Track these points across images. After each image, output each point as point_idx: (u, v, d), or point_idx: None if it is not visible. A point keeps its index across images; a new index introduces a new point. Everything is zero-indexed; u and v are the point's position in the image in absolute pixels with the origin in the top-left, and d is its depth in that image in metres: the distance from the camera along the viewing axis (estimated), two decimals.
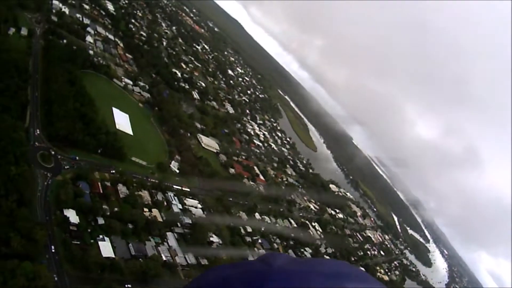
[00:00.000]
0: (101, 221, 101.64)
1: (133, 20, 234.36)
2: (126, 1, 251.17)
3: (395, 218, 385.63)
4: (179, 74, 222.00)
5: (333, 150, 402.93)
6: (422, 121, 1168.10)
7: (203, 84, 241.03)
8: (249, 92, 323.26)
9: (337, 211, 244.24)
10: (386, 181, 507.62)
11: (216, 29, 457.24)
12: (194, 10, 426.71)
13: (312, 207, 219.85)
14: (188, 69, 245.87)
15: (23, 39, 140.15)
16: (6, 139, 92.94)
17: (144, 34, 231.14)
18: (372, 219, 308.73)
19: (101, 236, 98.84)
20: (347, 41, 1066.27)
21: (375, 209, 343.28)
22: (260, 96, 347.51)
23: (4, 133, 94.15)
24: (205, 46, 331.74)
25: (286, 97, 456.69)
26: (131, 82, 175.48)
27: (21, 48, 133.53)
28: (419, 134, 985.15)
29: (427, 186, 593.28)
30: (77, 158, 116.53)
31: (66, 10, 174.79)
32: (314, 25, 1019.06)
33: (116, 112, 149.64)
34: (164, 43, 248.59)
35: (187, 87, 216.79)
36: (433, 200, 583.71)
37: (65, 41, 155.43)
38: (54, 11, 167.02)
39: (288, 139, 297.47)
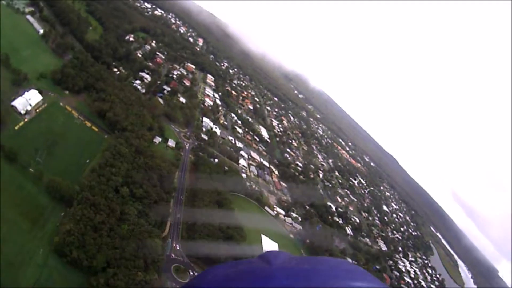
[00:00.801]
0: None
1: (288, 149, 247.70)
2: (281, 130, 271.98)
3: None
4: (333, 208, 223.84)
5: (479, 285, 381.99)
6: None
7: (357, 220, 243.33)
8: (402, 229, 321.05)
9: None
10: None
11: (372, 163, 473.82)
12: (349, 144, 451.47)
13: None
14: (343, 203, 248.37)
15: (170, 150, 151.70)
16: (139, 243, 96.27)
17: (300, 164, 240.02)
18: None
19: None
20: None
21: None
22: (413, 233, 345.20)
23: (138, 236, 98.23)
24: (361, 180, 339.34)
25: (438, 234, 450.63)
26: (283, 212, 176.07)
27: (167, 158, 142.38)
28: None
29: None
30: None
31: (217, 130, 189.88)
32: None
33: (265, 240, 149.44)
34: (321, 175, 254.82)
35: (340, 221, 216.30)
36: None
37: (216, 160, 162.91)
38: (204, 129, 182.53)
39: (438, 275, 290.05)
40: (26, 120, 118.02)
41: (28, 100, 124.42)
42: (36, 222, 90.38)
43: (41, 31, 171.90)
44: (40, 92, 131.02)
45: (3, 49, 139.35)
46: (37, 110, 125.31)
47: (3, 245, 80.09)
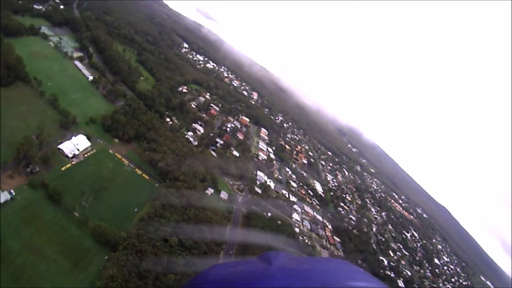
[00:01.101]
0: None
1: (342, 204, 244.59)
2: (336, 185, 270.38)
3: None
4: (385, 262, 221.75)
5: None
6: None
7: (409, 273, 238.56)
8: (453, 280, 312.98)
9: None
10: None
11: (424, 215, 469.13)
12: (402, 197, 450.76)
13: None
14: (395, 257, 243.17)
15: (222, 203, 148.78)
16: None
17: (354, 218, 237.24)
18: None
19: None
20: None
21: None
22: (464, 283, 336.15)
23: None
24: (414, 233, 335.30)
25: (488, 282, 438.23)
26: None
27: (218, 211, 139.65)
28: None
29: None
30: None
31: (271, 184, 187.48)
32: None
33: None
34: (374, 229, 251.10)
35: (392, 275, 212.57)
36: None
37: (269, 214, 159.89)
38: (258, 182, 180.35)
39: None
40: (73, 163, 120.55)
41: (76, 144, 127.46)
42: (77, 264, 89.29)
43: (91, 77, 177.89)
44: (89, 139, 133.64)
45: (51, 90, 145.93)
46: (85, 155, 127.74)
47: (41, 282, 79.78)
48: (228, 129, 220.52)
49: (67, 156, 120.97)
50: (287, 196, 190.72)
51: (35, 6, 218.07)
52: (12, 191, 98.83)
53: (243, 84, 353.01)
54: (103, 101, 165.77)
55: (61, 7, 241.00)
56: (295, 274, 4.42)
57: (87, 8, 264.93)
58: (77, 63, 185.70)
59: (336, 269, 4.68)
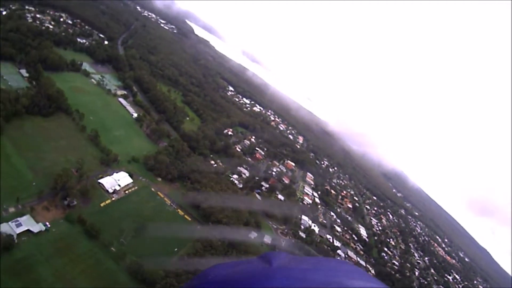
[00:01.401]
0: None
1: (385, 248, 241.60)
2: (380, 229, 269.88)
3: None
4: None
5: None
6: None
7: None
8: None
9: None
10: None
11: (466, 259, 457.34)
12: (445, 240, 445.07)
13: None
14: None
15: (265, 246, 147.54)
16: None
17: (397, 263, 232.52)
18: None
19: None
20: None
21: None
22: None
23: None
24: (456, 276, 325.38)
25: None
26: None
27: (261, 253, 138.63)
28: None
29: None
30: None
31: (316, 229, 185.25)
32: None
33: None
34: (416, 273, 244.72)
35: None
36: None
37: None
38: (302, 227, 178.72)
39: None
40: (113, 199, 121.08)
41: (117, 180, 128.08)
42: None
43: (135, 114, 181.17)
44: (131, 176, 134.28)
45: (93, 124, 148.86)
46: (127, 191, 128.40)
47: None
48: (273, 173, 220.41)
49: (107, 191, 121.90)
50: (331, 240, 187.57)
51: (79, 40, 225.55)
52: (47, 223, 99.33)
53: (289, 127, 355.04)
54: (146, 141, 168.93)
55: (106, 42, 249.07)
56: (295, 274, 4.46)
57: (132, 45, 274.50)
58: (121, 100, 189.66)
59: (336, 269, 4.76)
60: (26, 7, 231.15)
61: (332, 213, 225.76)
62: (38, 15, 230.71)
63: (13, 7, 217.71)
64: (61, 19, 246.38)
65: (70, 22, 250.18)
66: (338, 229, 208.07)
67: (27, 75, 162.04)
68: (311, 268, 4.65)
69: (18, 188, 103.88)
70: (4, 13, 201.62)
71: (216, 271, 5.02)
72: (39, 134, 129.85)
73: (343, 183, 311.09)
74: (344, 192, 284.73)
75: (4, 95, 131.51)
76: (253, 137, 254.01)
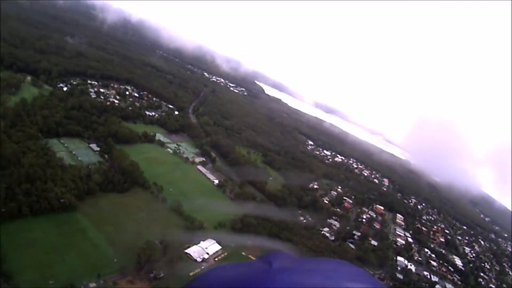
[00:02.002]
0: None
1: (481, 273, 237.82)
2: (473, 256, 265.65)
3: None
4: None
5: None
6: None
7: None
8: None
9: None
10: None
11: None
12: None
13: None
14: None
15: None
16: None
17: (493, 286, 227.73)
18: None
19: None
20: None
21: None
22: None
23: None
24: None
25: None
26: None
27: None
28: None
29: None
30: None
31: (412, 268, 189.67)
32: None
33: None
34: None
35: None
36: None
37: None
38: (399, 268, 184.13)
39: None
40: (203, 267, 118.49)
41: (205, 248, 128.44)
42: None
43: (216, 181, 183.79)
44: (219, 242, 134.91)
45: (174, 195, 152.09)
46: (216, 259, 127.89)
47: None
48: (364, 220, 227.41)
49: (195, 260, 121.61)
50: (428, 277, 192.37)
51: (147, 113, 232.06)
52: None
53: (373, 172, 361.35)
54: (231, 205, 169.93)
55: (176, 113, 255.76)
56: (295, 275, 4.55)
57: (204, 112, 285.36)
58: (200, 167, 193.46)
59: (336, 270, 4.88)
60: (89, 81, 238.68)
61: (426, 250, 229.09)
62: (101, 90, 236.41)
63: (74, 82, 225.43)
64: (127, 92, 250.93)
65: (136, 95, 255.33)
66: (434, 263, 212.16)
67: (97, 149, 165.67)
68: (312, 269, 4.78)
69: (98, 264, 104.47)
70: (65, 89, 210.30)
71: (216, 273, 5.14)
72: (116, 209, 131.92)
73: (432, 218, 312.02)
74: (435, 227, 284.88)
75: (75, 171, 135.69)
76: (339, 187, 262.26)
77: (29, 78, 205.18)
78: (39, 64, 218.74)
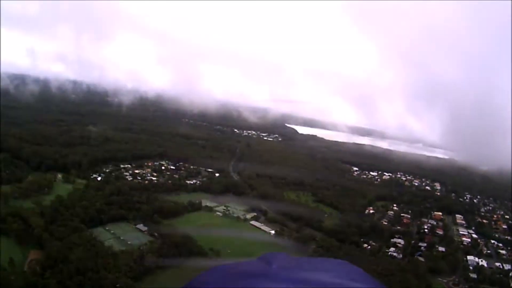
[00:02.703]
0: None
1: None
2: None
3: None
4: None
5: None
6: None
7: None
8: None
9: None
10: None
11: None
12: None
13: None
14: None
15: None
16: None
17: None
18: None
19: None
20: None
21: None
22: None
23: None
24: None
25: None
26: None
27: None
28: None
29: None
30: None
31: (484, 263, 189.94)
32: None
33: None
34: None
35: None
36: None
37: None
38: (471, 268, 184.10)
39: None
40: None
41: None
42: None
43: (272, 231, 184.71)
44: None
45: (233, 256, 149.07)
46: None
47: None
48: (426, 230, 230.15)
49: None
50: (501, 267, 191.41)
51: (188, 182, 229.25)
52: None
53: (423, 180, 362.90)
54: (292, 250, 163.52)
55: (216, 175, 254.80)
56: (295, 275, 4.44)
57: (244, 168, 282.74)
58: (253, 222, 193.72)
59: (336, 270, 4.78)
60: (121, 165, 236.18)
61: (492, 241, 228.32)
62: (136, 171, 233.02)
63: (107, 170, 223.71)
64: (163, 167, 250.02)
65: (172, 167, 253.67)
66: (503, 252, 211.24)
67: (145, 228, 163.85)
68: (312, 269, 4.69)
69: None
70: (99, 178, 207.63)
71: (216, 273, 5.00)
72: (176, 282, 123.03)
73: (490, 208, 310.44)
74: (495, 216, 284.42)
75: (127, 256, 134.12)
76: (394, 204, 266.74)
77: (59, 176, 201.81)
78: (67, 158, 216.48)
